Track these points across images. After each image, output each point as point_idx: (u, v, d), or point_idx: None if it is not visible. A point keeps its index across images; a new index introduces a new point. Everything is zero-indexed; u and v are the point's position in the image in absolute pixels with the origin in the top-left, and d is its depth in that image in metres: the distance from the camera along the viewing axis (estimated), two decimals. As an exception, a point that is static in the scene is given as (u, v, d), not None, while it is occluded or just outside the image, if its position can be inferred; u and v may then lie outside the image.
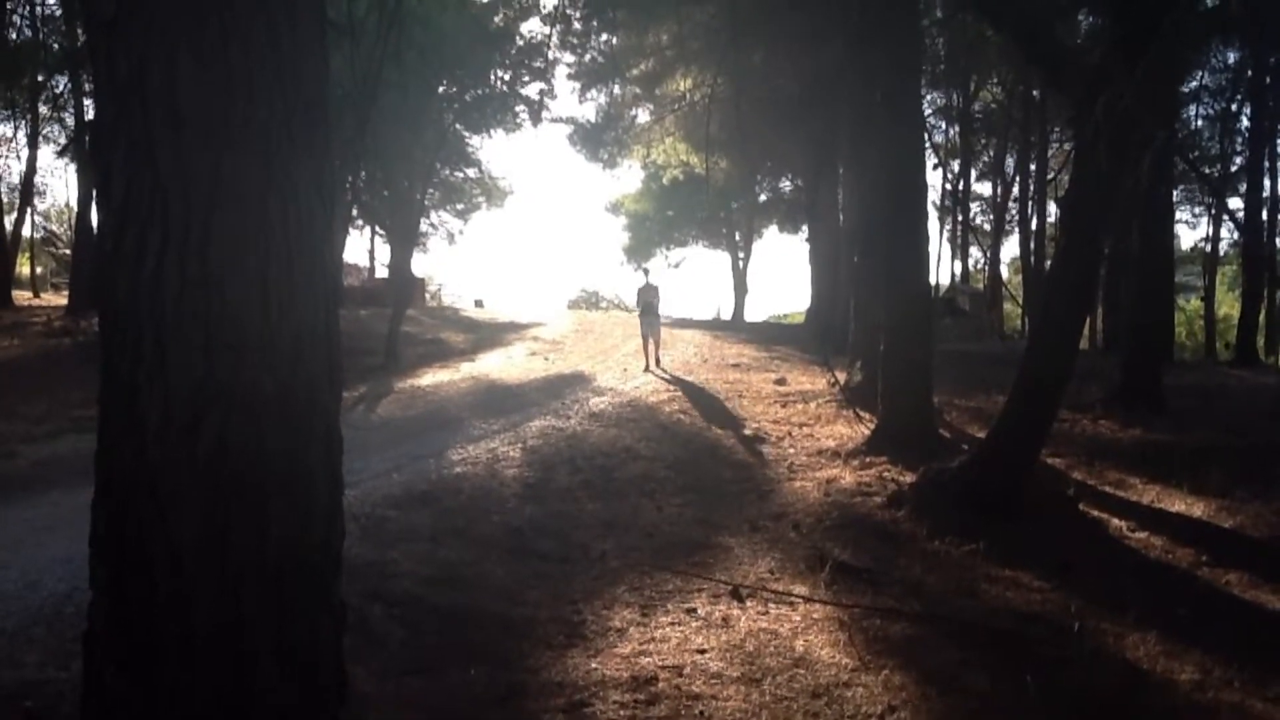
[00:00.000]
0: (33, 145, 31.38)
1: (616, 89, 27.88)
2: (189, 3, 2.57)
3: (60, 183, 67.42)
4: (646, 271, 21.53)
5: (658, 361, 18.80)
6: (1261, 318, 31.87)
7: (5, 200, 31.39)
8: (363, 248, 46.55)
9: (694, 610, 6.36)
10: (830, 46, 17.33)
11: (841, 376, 15.22)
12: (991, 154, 41.23)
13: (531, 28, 26.67)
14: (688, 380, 16.63)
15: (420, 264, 62.52)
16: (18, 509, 8.58)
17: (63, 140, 31.48)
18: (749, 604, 6.51)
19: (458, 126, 25.33)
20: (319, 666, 2.90)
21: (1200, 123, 32.35)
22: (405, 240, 24.88)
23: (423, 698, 4.89)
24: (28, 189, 32.53)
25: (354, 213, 34.43)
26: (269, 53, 2.69)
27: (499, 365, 20.12)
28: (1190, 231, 75.90)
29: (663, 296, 19.75)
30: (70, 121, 29.34)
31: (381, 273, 41.01)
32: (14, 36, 27.10)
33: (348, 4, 6.42)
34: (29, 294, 36.44)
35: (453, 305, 46.13)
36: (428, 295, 47.23)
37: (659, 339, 19.22)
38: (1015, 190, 39.92)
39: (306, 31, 2.82)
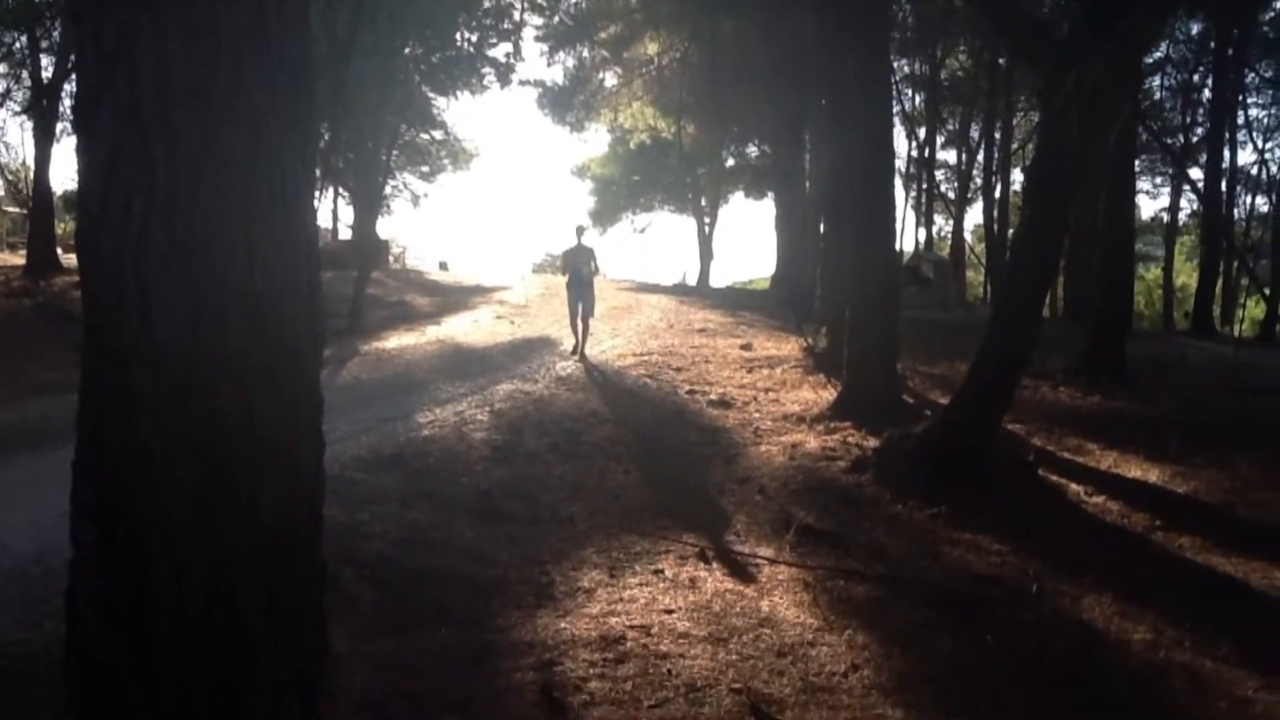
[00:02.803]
0: (-11, 101, 30.78)
1: (585, 52, 27.73)
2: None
3: (17, 141, 66.03)
4: (580, 230, 16.09)
5: (580, 349, 15.16)
6: (1219, 288, 32.40)
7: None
8: (326, 210, 46.10)
9: (661, 571, 6.45)
10: (800, 13, 17.31)
11: (810, 341, 15.34)
12: (957, 122, 41.40)
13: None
14: (653, 345, 16.67)
15: (384, 227, 62.07)
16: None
17: (21, 99, 30.85)
18: (715, 565, 6.61)
19: (424, 88, 25.09)
20: (305, 629, 2.94)
21: (1163, 93, 32.68)
22: (369, 203, 24.69)
23: (395, 658, 4.94)
24: (-17, 145, 31.93)
25: (319, 174, 34.14)
26: (255, 21, 2.68)
27: (465, 329, 20.07)
28: (1150, 201, 76.64)
29: (599, 262, 16.10)
30: (29, 80, 28.75)
31: (345, 235, 40.65)
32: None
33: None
34: (-18, 253, 35.85)
35: (417, 268, 45.85)
36: (391, 258, 46.90)
37: (589, 315, 15.50)
38: (980, 158, 40.15)
39: (291, 6, 2.82)
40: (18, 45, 28.23)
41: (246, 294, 2.65)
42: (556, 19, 25.14)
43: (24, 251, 29.14)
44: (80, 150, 2.68)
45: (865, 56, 11.73)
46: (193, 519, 2.64)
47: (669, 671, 4.92)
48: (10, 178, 39.91)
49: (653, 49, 25.82)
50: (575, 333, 15.43)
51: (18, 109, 31.00)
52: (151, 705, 2.69)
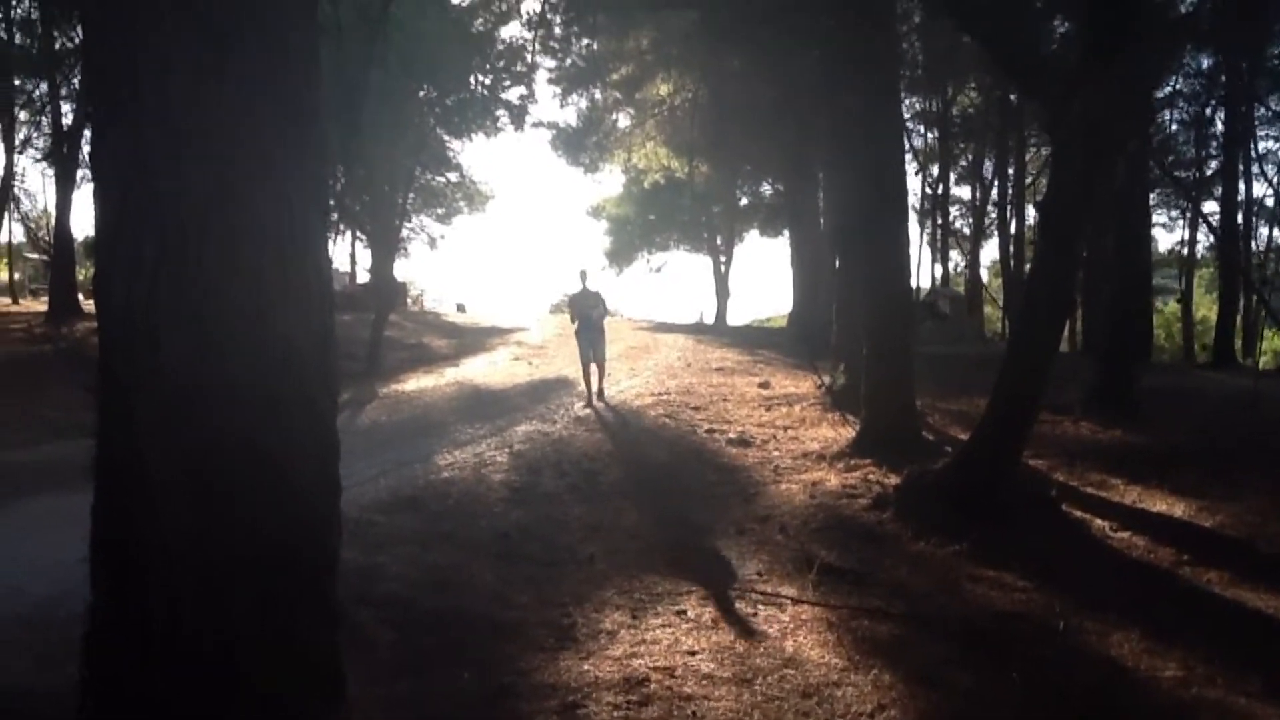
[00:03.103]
0: (9, 150, 31.21)
1: (597, 93, 27.95)
2: (185, 16, 2.60)
3: (39, 188, 67.01)
4: (584, 275, 15.66)
5: (600, 394, 14.93)
6: (1239, 320, 32.22)
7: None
8: (344, 253, 46.42)
9: (684, 612, 6.40)
10: (808, 52, 17.42)
11: (826, 379, 15.31)
12: (970, 158, 41.50)
13: (512, 32, 26.78)
14: (670, 384, 16.67)
15: (402, 269, 62.44)
16: (-2, 516, 8.55)
17: (41, 145, 31.32)
18: (738, 605, 6.56)
19: (439, 130, 25.32)
20: (312, 665, 2.93)
21: (1175, 127, 32.68)
22: (386, 245, 24.82)
23: (411, 700, 4.91)
24: (5, 194, 32.31)
25: (335, 218, 34.41)
26: (263, 65, 2.72)
27: (483, 370, 20.12)
28: (1168, 234, 76.45)
29: (609, 305, 15.89)
30: (49, 127, 29.18)
31: (363, 278, 40.91)
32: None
33: (334, 10, 6.47)
34: (8, 300, 36.21)
35: (435, 310, 46.08)
36: (409, 300, 47.18)
37: (603, 361, 15.29)
38: (994, 194, 40.19)
39: (300, 43, 2.86)
40: (38, 92, 28.68)
41: (254, 334, 2.67)
42: (569, 61, 25.38)
43: (46, 298, 29.42)
44: (94, 196, 2.72)
45: (872, 94, 11.80)
46: (190, 547, 2.65)
47: (694, 714, 4.87)
48: (31, 225, 40.44)
49: (664, 90, 26.03)
50: (588, 381, 14.94)
51: (39, 156, 31.42)
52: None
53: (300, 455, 2.90)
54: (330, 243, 36.01)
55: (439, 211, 44.44)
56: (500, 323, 33.14)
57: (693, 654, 5.67)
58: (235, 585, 2.77)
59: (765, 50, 19.56)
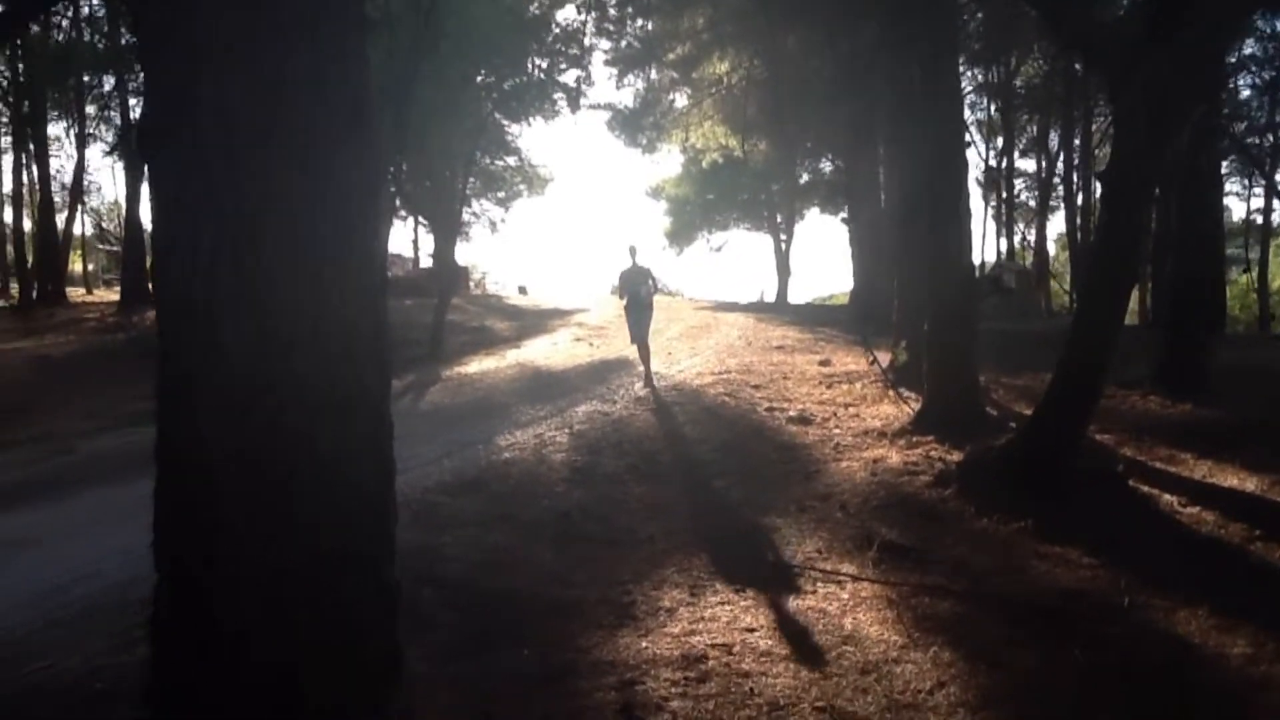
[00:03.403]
0: (81, 144, 32.04)
1: (654, 74, 27.87)
2: (238, 13, 2.64)
3: (109, 180, 68.62)
4: (633, 251, 15.03)
5: (648, 378, 14.46)
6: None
7: (57, 199, 31.99)
8: (407, 238, 46.94)
9: (742, 589, 6.42)
10: (866, 25, 17.21)
11: (885, 357, 15.17)
12: (1035, 129, 40.72)
13: (567, 15, 26.73)
14: (731, 363, 16.63)
15: (464, 253, 62.94)
16: (74, 501, 8.82)
17: (110, 139, 32.07)
18: (797, 583, 6.56)
19: (496, 115, 25.44)
20: (370, 648, 2.98)
21: (1248, 92, 31.71)
22: (448, 230, 25.05)
23: (473, 679, 4.99)
24: (78, 187, 33.15)
25: (397, 204, 34.80)
26: (315, 59, 2.76)
27: (544, 352, 20.24)
28: (1241, 203, 74.26)
29: (656, 280, 15.66)
30: (118, 120, 29.84)
31: (426, 263, 41.31)
32: (59, 37, 27.63)
33: (385, 1, 6.51)
34: (82, 291, 37.18)
35: (496, 293, 46.40)
36: (472, 283, 47.55)
37: (646, 338, 14.97)
38: (1060, 166, 39.40)
39: (351, 38, 2.90)
40: (106, 86, 29.32)
41: (311, 324, 2.72)
42: (624, 43, 25.33)
43: (118, 288, 30.16)
44: (151, 189, 2.78)
45: (930, 67, 11.61)
46: (253, 535, 2.71)
47: (751, 690, 4.89)
48: (99, 217, 41.45)
49: (721, 68, 25.88)
50: (645, 359, 14.86)
51: (107, 149, 32.19)
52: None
53: (357, 444, 2.95)
54: (390, 229, 36.48)
55: (499, 195, 44.67)
56: (561, 304, 33.27)
57: (751, 631, 5.69)
58: (296, 572, 2.83)
59: (821, 24, 19.38)
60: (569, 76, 24.77)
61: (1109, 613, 5.88)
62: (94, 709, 4.47)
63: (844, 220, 29.56)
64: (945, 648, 5.38)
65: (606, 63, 26.41)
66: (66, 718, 4.46)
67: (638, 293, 14.81)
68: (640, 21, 24.24)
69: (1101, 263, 8.05)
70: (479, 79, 21.62)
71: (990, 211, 42.77)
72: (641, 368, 14.95)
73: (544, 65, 23.18)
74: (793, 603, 6.16)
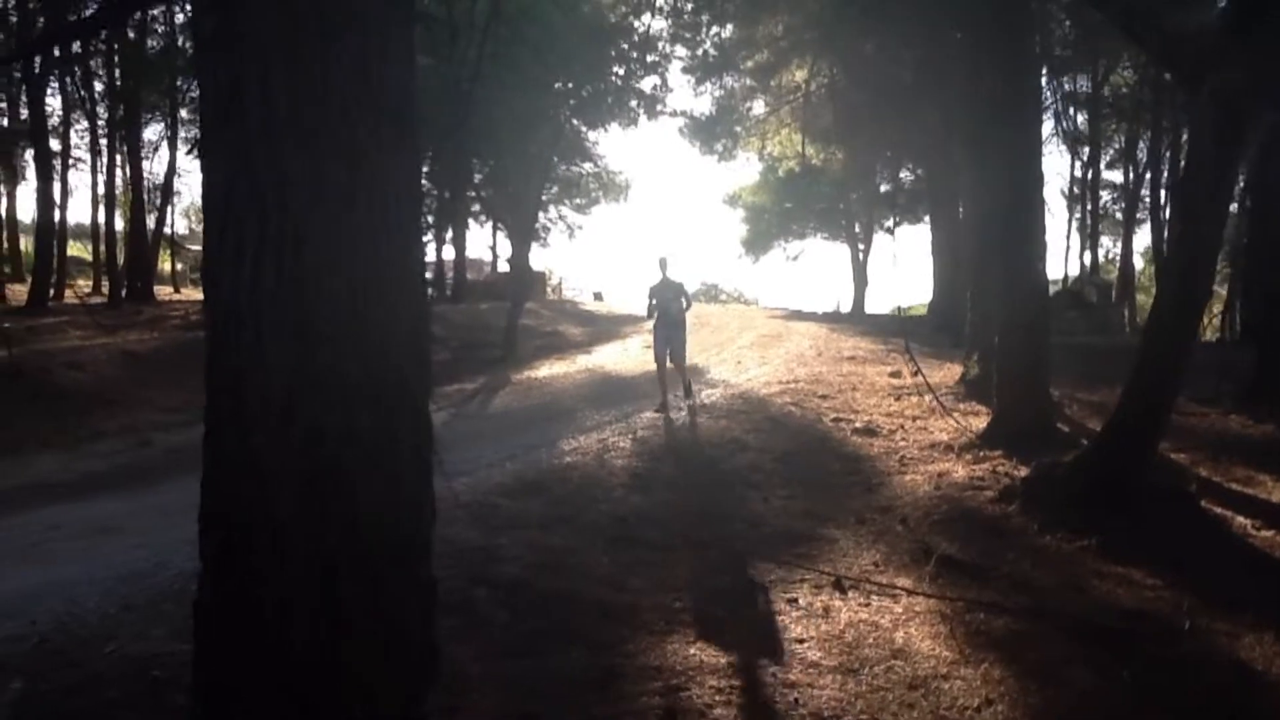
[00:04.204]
0: (172, 147, 33.01)
1: (732, 81, 27.84)
2: (285, 21, 2.72)
3: (199, 182, 70.50)
4: (664, 263, 13.45)
5: (688, 391, 13.29)
6: None
7: (147, 200, 32.94)
8: (485, 243, 47.48)
9: (795, 600, 6.39)
10: (945, 33, 17.01)
11: (958, 370, 14.97)
12: (1122, 140, 39.78)
13: (645, 22, 26.79)
14: (800, 373, 16.54)
15: (542, 258, 63.56)
16: (152, 494, 9.09)
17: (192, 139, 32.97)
18: (851, 595, 6.51)
19: (574, 121, 25.65)
20: (409, 641, 3.04)
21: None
22: (523, 235, 25.32)
23: (522, 679, 5.04)
24: (168, 189, 34.14)
25: (475, 208, 35.27)
26: (359, 66, 2.83)
27: (614, 357, 20.34)
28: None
29: (690, 298, 13.82)
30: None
31: (504, 268, 41.78)
32: (152, 44, 28.53)
33: (449, 3, 6.58)
34: (169, 289, 38.28)
35: (573, 299, 46.71)
36: (548, 289, 47.95)
37: (683, 360, 13.41)
38: (1148, 177, 38.41)
39: (396, 44, 2.96)
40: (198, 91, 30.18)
41: (352, 323, 2.79)
42: (701, 50, 25.34)
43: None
44: (203, 190, 2.88)
45: (1007, 76, 11.44)
46: (298, 529, 2.78)
47: (796, 700, 4.88)
48: (189, 218, 42.62)
49: (800, 75, 25.75)
50: (661, 383, 13.16)
51: (186, 150, 33.10)
52: (263, 711, 2.84)
53: (396, 441, 3.01)
54: (466, 230, 36.91)
55: (578, 201, 44.95)
56: (635, 311, 33.33)
57: (800, 642, 5.66)
58: (338, 566, 2.89)
59: (901, 32, 19.19)
60: (646, 83, 24.90)
61: (1170, 634, 5.74)
62: (154, 694, 4.61)
63: (930, 229, 29.18)
64: (997, 665, 5.30)
65: (684, 70, 26.49)
66: (130, 701, 4.61)
67: (668, 309, 13.32)
68: (717, 29, 24.25)
69: (1172, 276, 7.86)
70: (556, 86, 21.81)
71: (1075, 224, 41.91)
72: (712, 373, 14.75)
73: (621, 72, 23.32)
74: (845, 615, 6.12)
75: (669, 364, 13.14)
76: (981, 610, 6.14)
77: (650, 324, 13.81)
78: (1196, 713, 4.80)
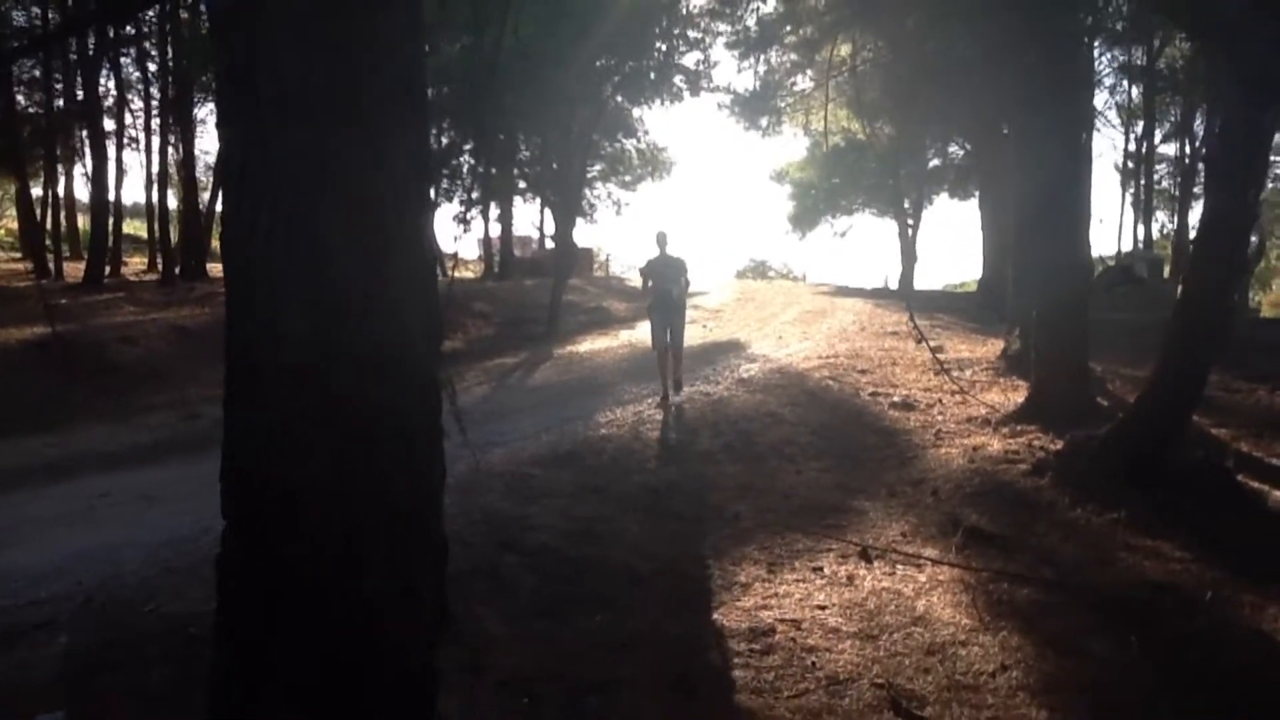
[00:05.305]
0: (225, 125, 33.28)
1: (775, 57, 27.66)
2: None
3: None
4: (662, 239, 12.13)
5: (678, 386, 12.09)
6: None
7: (201, 179, 33.40)
8: (531, 220, 47.62)
9: (820, 569, 6.46)
10: (989, 8, 16.78)
11: (1000, 346, 14.87)
12: (1178, 114, 38.97)
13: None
14: (840, 348, 16.52)
15: (589, 235, 63.59)
16: (198, 464, 9.31)
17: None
18: (876, 565, 6.57)
19: (618, 98, 25.65)
20: (422, 595, 3.16)
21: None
22: (568, 212, 25.42)
23: (547, 641, 5.17)
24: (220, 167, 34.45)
25: (521, 185, 35.39)
26: (370, 43, 2.92)
27: (656, 333, 20.36)
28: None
29: (690, 276, 12.47)
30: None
31: (550, 245, 41.94)
32: (205, 23, 28.86)
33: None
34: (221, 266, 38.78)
35: (619, 275, 46.79)
36: (595, 265, 48.06)
37: (680, 348, 12.20)
38: (1204, 151, 37.57)
39: (405, 21, 3.05)
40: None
41: (363, 293, 2.89)
42: (745, 25, 25.19)
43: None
44: (218, 162, 3.00)
45: (1053, 51, 11.29)
46: (314, 491, 2.90)
47: (813, 664, 4.96)
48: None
49: (844, 50, 25.51)
50: (663, 372, 12.07)
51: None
52: (284, 665, 2.97)
53: (407, 406, 3.11)
54: (511, 207, 37.01)
55: (625, 179, 44.92)
56: (691, 283, 33.38)
57: (822, 609, 5.74)
58: (355, 527, 3.00)
59: (947, 5, 18.93)
60: (689, 59, 24.82)
61: (1194, 607, 5.73)
62: (192, 650, 4.79)
63: (979, 205, 28.85)
64: (1015, 633, 5.34)
65: (727, 45, 26.32)
66: (169, 656, 4.80)
67: (668, 292, 12.03)
68: (758, 3, 24.12)
69: (1205, 246, 7.76)
70: (599, 63, 21.82)
71: (1129, 199, 41.19)
72: (753, 348, 14.87)
73: (664, 48, 23.25)
74: (868, 583, 6.18)
75: (669, 351, 12.02)
76: (1005, 581, 6.17)
77: (648, 305, 12.51)
78: (1213, 683, 4.81)
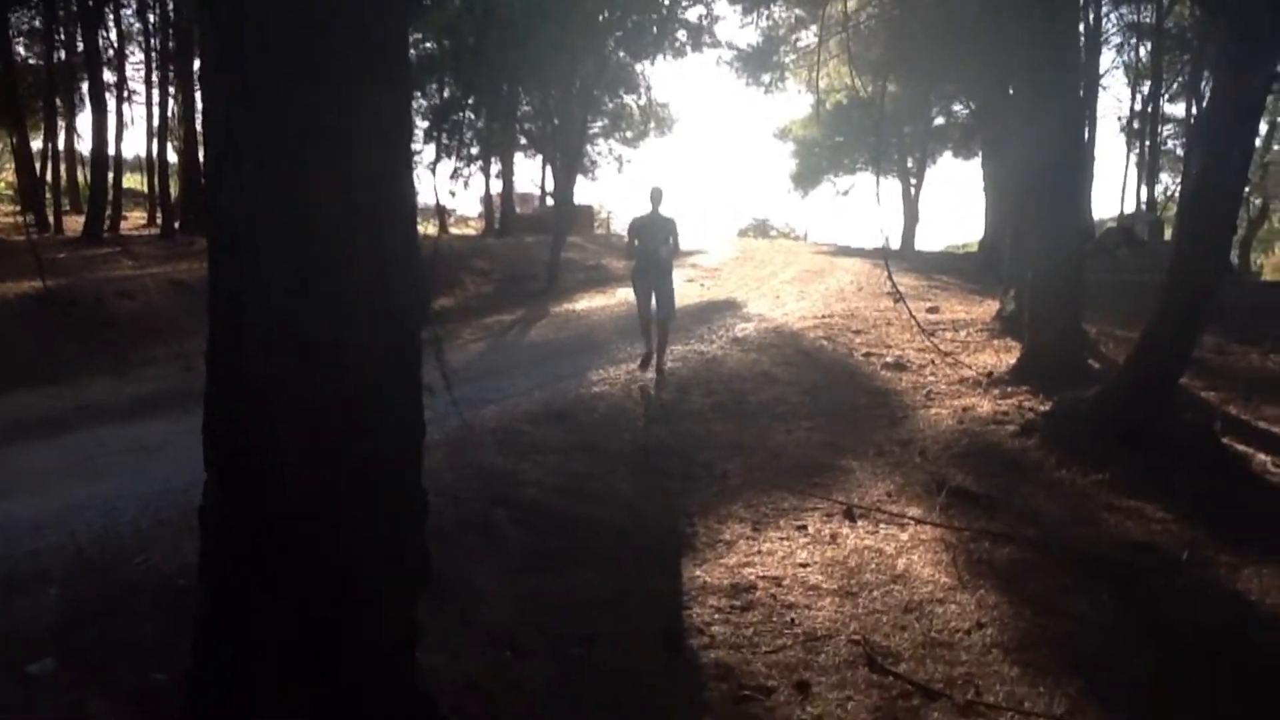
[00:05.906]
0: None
1: (779, 11, 27.42)
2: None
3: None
4: (656, 195, 11.04)
5: (649, 360, 11.02)
6: None
7: (201, 133, 33.17)
8: (533, 177, 47.36)
9: (804, 527, 6.56)
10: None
11: (995, 306, 14.90)
12: (1186, 74, 38.62)
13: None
14: (837, 308, 16.56)
15: (591, 192, 63.29)
16: (195, 417, 9.28)
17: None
18: (860, 523, 6.66)
19: (620, 54, 25.44)
20: (403, 545, 3.24)
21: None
22: (569, 168, 25.31)
23: (535, 596, 5.26)
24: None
25: (523, 142, 35.20)
26: (354, 6, 2.95)
27: (654, 291, 20.36)
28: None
29: (681, 237, 11.41)
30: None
31: (551, 202, 41.78)
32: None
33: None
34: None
35: (619, 233, 46.65)
36: (596, 223, 47.88)
37: (668, 318, 11.14)
38: (1211, 111, 37.28)
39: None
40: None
41: (347, 249, 2.95)
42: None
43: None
44: (203, 118, 3.05)
45: (1051, 14, 11.22)
46: (296, 444, 2.97)
47: (792, 621, 5.06)
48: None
49: (849, 4, 25.26)
50: (647, 335, 11.14)
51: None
52: (265, 615, 3.06)
53: (391, 361, 3.17)
54: (513, 163, 36.77)
55: (626, 135, 44.61)
56: (681, 245, 33.29)
57: (804, 566, 5.84)
58: (336, 478, 3.08)
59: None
60: (692, 14, 24.63)
61: (1171, 566, 5.83)
62: (182, 601, 4.88)
63: (983, 165, 28.71)
64: (993, 592, 5.44)
65: (730, 1, 26.09)
66: (160, 608, 4.89)
67: (655, 253, 10.94)
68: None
69: (1195, 207, 7.78)
70: (601, 16, 21.64)
71: (1134, 159, 40.95)
72: (749, 307, 14.86)
73: (667, 2, 23.06)
74: (851, 541, 6.27)
75: (654, 320, 11.09)
76: (987, 540, 6.26)
77: (631, 266, 11.56)
78: (1188, 642, 4.90)
